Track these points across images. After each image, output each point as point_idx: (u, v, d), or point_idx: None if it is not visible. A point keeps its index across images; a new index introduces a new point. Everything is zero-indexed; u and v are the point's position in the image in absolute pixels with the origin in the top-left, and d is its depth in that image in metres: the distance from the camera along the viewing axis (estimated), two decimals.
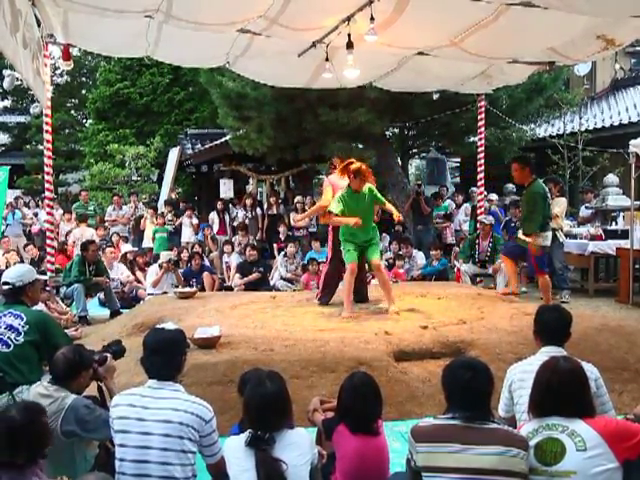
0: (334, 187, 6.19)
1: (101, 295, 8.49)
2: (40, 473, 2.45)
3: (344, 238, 6.05)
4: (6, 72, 7.30)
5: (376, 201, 6.13)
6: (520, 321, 5.44)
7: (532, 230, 6.39)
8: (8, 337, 3.68)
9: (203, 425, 2.71)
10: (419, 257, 10.09)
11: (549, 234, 6.59)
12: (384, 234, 9.62)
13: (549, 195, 6.73)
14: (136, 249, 11.09)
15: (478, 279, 9.38)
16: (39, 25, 6.22)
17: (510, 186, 13.03)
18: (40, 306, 5.65)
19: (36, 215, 13.59)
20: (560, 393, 2.58)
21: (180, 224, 12.22)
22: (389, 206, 6.27)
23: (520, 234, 6.63)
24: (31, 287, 4.06)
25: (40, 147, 18.24)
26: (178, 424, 2.67)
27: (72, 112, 27.04)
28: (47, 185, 7.74)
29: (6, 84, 7.22)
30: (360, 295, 6.46)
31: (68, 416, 2.91)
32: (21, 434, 2.41)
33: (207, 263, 10.29)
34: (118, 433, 2.74)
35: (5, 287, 4.00)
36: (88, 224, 11.39)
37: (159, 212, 12.27)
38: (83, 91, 26.78)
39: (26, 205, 14.74)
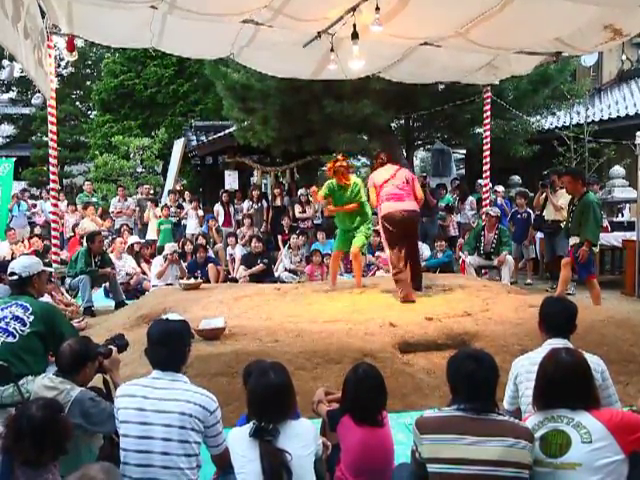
0: (375, 187, 6.46)
1: (107, 285, 8.50)
2: (54, 470, 2.47)
3: (337, 223, 7.05)
4: (5, 62, 7.23)
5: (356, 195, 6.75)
6: (525, 313, 5.43)
7: (594, 238, 6.68)
8: (14, 328, 3.68)
9: (208, 416, 2.71)
10: (424, 249, 10.04)
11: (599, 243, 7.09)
12: None
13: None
14: (142, 241, 11.09)
15: (483, 271, 9.37)
16: (43, 16, 6.21)
17: (516, 178, 13.01)
18: (46, 297, 5.66)
19: (34, 206, 13.58)
20: (562, 385, 2.57)
21: (185, 215, 12.24)
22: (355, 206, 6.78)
23: (573, 240, 6.81)
24: (37, 278, 4.08)
25: (45, 139, 18.29)
26: (181, 414, 2.67)
27: (77, 104, 27.01)
28: (52, 177, 7.75)
29: (5, 74, 7.19)
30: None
31: (73, 409, 2.91)
32: (45, 432, 2.43)
33: (212, 255, 10.30)
34: (121, 424, 2.74)
35: (12, 278, 4.01)
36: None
37: (162, 204, 12.25)
38: (88, 82, 26.73)
39: (32, 197, 14.74)
